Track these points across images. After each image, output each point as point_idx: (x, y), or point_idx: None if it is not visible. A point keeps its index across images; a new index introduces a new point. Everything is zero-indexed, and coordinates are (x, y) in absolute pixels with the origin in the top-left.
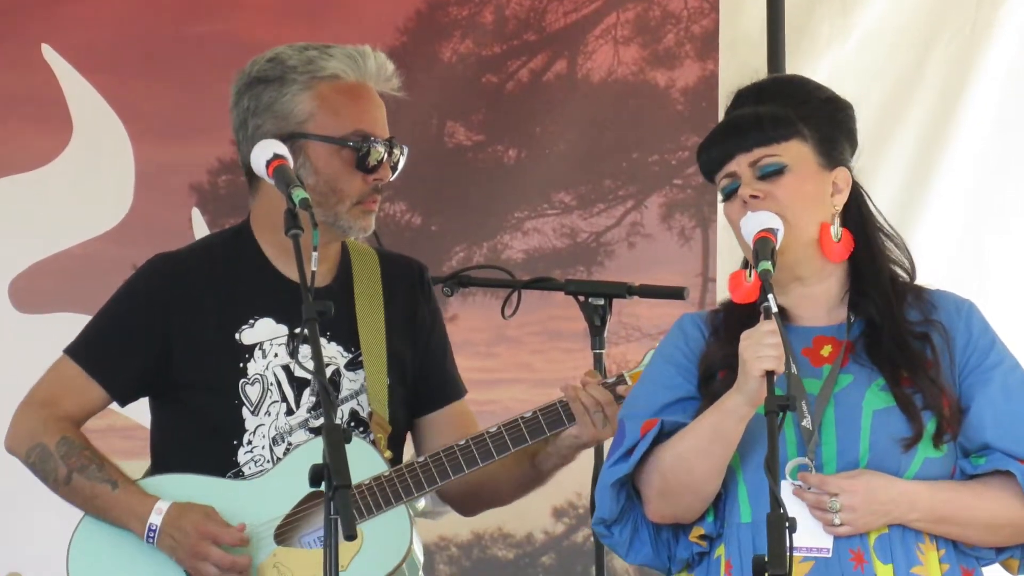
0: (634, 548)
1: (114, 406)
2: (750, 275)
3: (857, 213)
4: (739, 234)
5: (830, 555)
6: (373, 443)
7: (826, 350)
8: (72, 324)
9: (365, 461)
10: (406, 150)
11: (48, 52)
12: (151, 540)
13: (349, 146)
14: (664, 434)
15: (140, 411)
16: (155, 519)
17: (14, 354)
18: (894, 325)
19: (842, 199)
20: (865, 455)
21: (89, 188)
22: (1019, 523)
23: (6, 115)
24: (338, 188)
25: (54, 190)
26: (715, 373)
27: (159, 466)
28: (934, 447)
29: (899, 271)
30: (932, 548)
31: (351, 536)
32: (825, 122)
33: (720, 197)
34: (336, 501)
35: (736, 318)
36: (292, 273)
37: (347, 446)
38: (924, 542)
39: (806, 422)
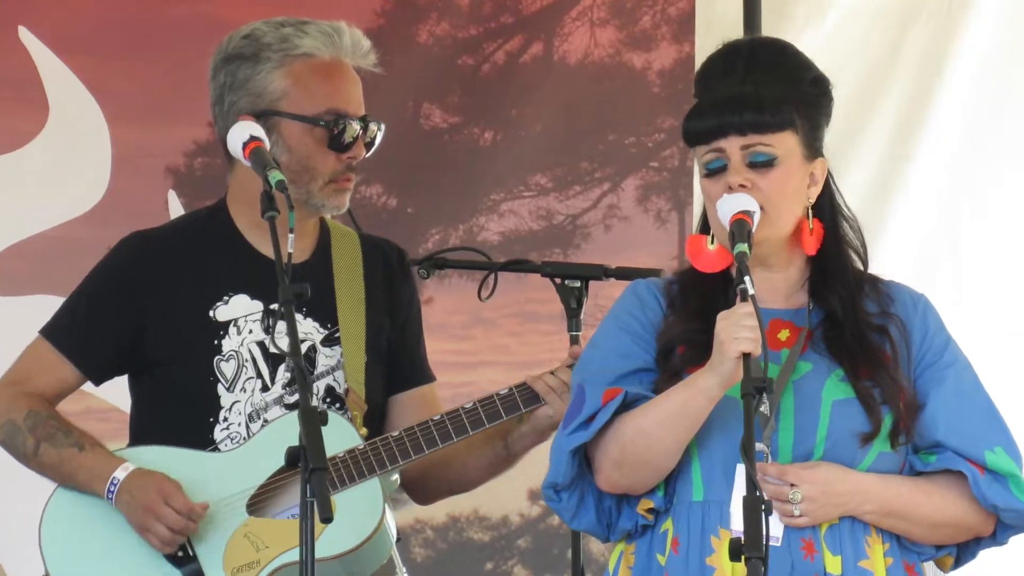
0: (579, 515)
1: (90, 388)
2: (712, 241)
3: (828, 201)
4: (713, 210)
5: (779, 543)
6: (350, 420)
7: (783, 334)
8: (49, 306)
9: (341, 436)
10: (383, 127)
11: (25, 34)
12: (111, 497)
13: (321, 125)
14: (624, 405)
15: (117, 393)
16: (119, 474)
17: None
18: (856, 319)
19: (817, 191)
20: (821, 445)
21: (65, 170)
22: (961, 523)
23: None
24: (311, 166)
25: (30, 172)
26: (674, 348)
27: (137, 442)
28: (890, 445)
29: (854, 257)
30: (878, 541)
31: (327, 519)
32: (813, 109)
33: (701, 170)
34: (312, 484)
35: (694, 291)
36: (267, 249)
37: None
38: (871, 535)
39: (764, 408)
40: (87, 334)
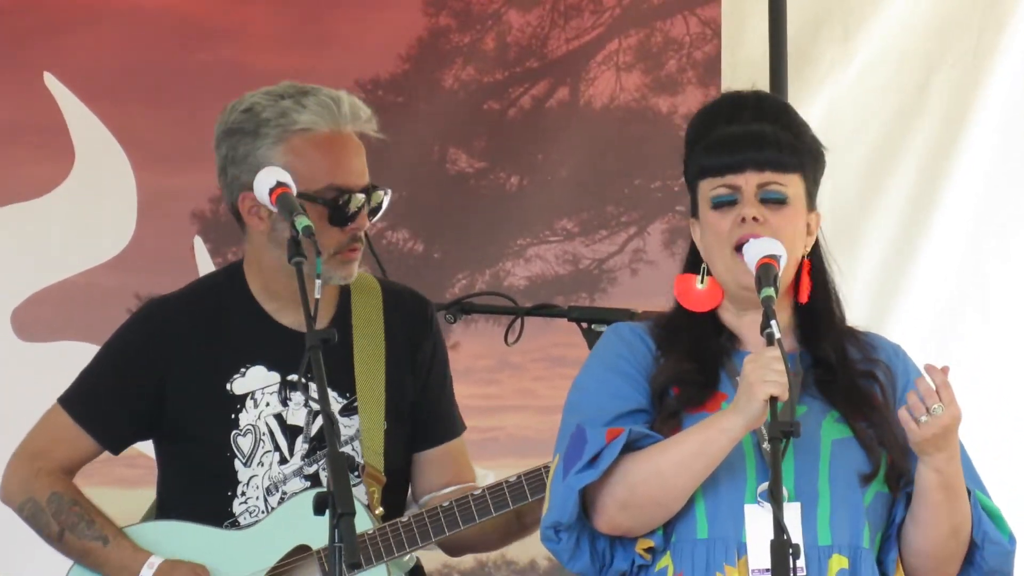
0: (575, 556)
1: None
2: (701, 281)
3: (818, 254)
4: (716, 244)
5: None
6: (366, 496)
7: None
8: (74, 352)
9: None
10: (388, 193)
11: (50, 80)
12: None
13: (320, 202)
14: (626, 444)
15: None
16: (147, 573)
17: (16, 383)
18: (846, 366)
19: (811, 241)
20: (825, 483)
21: (91, 216)
22: (963, 538)
23: (8, 143)
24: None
25: (56, 218)
26: (668, 389)
27: (163, 507)
28: (887, 487)
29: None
30: None
31: (354, 564)
32: (814, 162)
33: (706, 204)
34: (340, 528)
35: (682, 332)
36: (284, 318)
37: None
38: None
39: (766, 445)
40: (105, 407)
